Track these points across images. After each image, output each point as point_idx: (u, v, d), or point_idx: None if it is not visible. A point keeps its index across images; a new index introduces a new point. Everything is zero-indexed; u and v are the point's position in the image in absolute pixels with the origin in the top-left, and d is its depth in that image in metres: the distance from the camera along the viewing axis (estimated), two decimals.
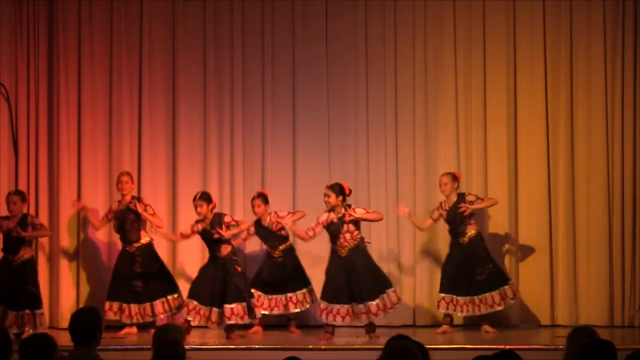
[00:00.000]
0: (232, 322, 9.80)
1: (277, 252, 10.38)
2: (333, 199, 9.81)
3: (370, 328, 9.85)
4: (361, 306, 9.76)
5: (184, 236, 10.30)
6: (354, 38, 11.23)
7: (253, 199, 10.45)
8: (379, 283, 9.87)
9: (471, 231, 10.38)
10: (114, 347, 9.18)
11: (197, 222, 10.07)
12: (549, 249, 11.01)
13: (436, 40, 11.18)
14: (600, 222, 10.93)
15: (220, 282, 9.93)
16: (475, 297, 10.23)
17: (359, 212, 9.85)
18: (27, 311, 10.02)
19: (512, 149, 11.09)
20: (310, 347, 9.30)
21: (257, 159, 11.23)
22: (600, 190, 10.96)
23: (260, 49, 11.22)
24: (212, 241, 10.02)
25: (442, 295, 10.28)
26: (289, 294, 10.35)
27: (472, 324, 10.47)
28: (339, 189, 9.86)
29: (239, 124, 11.22)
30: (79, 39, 11.12)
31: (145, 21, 11.19)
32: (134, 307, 10.30)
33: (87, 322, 5.27)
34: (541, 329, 10.72)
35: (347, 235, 9.83)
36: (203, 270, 10.14)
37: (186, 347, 5.32)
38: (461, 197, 10.39)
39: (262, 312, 10.20)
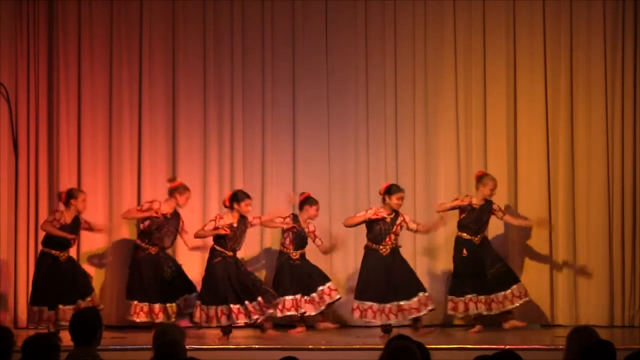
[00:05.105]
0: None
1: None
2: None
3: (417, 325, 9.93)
4: (395, 305, 9.86)
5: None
6: (354, 37, 11.23)
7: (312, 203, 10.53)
8: (416, 283, 10.00)
9: (485, 234, 10.50)
10: (114, 347, 9.17)
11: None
12: (549, 249, 11.02)
13: (436, 38, 11.19)
14: (600, 222, 10.94)
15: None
16: (490, 296, 10.28)
17: (410, 223, 10.04)
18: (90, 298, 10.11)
19: (512, 148, 11.10)
20: (310, 347, 9.28)
21: (257, 158, 11.24)
22: (600, 190, 10.96)
23: (260, 48, 11.23)
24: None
25: (470, 296, 10.28)
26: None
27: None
28: None
29: (239, 123, 11.23)
30: (79, 39, 11.12)
31: (145, 21, 11.19)
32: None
33: (88, 322, 5.27)
34: (541, 329, 10.72)
35: (393, 236, 9.94)
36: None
37: (187, 347, 5.31)
38: (489, 202, 10.44)
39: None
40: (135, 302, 10.32)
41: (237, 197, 9.91)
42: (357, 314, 10.00)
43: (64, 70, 11.08)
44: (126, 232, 11.03)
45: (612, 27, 10.98)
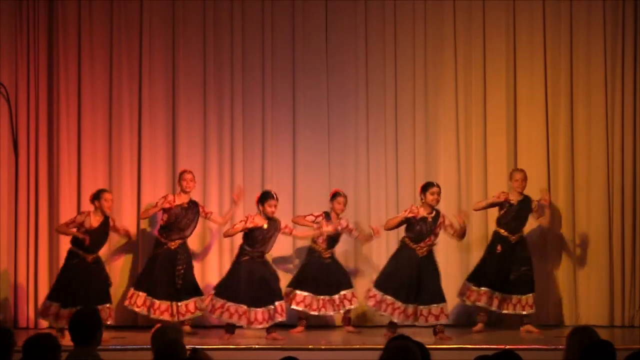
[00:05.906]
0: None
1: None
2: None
3: (438, 329, 9.84)
4: (413, 307, 9.80)
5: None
6: (354, 37, 11.24)
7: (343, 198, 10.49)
8: (440, 292, 9.89)
9: (522, 232, 10.49)
10: (113, 347, 9.17)
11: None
12: (549, 249, 11.02)
13: (436, 39, 11.20)
14: (600, 223, 10.94)
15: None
16: (507, 295, 10.34)
17: (451, 220, 9.96)
18: (108, 305, 10.00)
19: (512, 149, 11.11)
20: (310, 347, 9.29)
21: (257, 158, 11.24)
22: (600, 190, 10.97)
23: (260, 48, 11.23)
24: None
25: (484, 289, 10.33)
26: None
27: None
28: None
29: (239, 123, 11.23)
30: (79, 38, 11.12)
31: (145, 21, 11.19)
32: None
33: (88, 322, 5.27)
34: (541, 329, 10.71)
35: (433, 237, 9.93)
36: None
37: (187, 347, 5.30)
38: (528, 198, 10.42)
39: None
40: (134, 291, 10.33)
41: (262, 197, 9.94)
42: (372, 302, 9.91)
43: (64, 70, 11.08)
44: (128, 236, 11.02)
45: (612, 27, 10.98)
